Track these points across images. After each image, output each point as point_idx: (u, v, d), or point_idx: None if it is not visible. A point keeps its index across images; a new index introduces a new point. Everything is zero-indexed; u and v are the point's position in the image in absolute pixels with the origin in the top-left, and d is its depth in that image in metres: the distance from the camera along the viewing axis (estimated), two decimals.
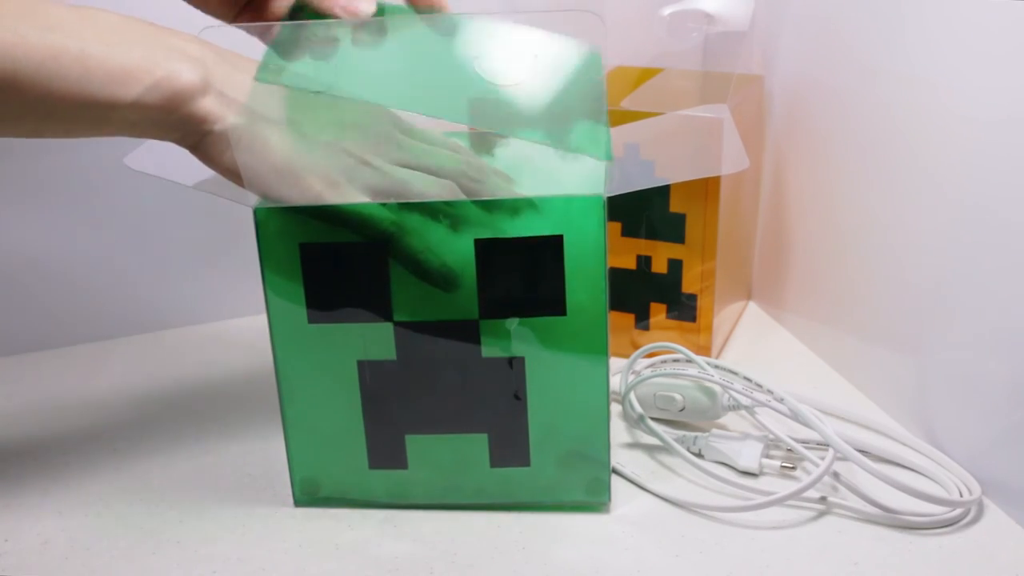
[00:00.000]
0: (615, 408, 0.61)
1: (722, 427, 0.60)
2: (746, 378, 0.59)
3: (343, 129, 0.50)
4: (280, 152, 0.47)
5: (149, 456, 0.59)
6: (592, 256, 0.48)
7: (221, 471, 0.58)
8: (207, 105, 0.46)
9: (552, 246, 0.48)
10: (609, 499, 0.53)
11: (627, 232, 0.68)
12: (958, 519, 0.52)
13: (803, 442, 0.56)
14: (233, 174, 0.47)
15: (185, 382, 0.68)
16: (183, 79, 0.45)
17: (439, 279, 0.49)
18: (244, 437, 0.61)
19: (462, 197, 0.49)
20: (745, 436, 0.57)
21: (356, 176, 0.49)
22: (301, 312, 0.50)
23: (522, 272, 0.49)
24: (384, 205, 0.48)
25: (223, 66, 0.47)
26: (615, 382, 0.59)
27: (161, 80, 0.44)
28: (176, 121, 0.46)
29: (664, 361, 0.62)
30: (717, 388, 0.58)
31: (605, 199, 0.47)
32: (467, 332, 0.50)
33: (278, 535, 0.53)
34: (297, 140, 0.48)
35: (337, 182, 0.48)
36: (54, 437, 0.62)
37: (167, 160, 0.50)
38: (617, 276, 0.68)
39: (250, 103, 0.47)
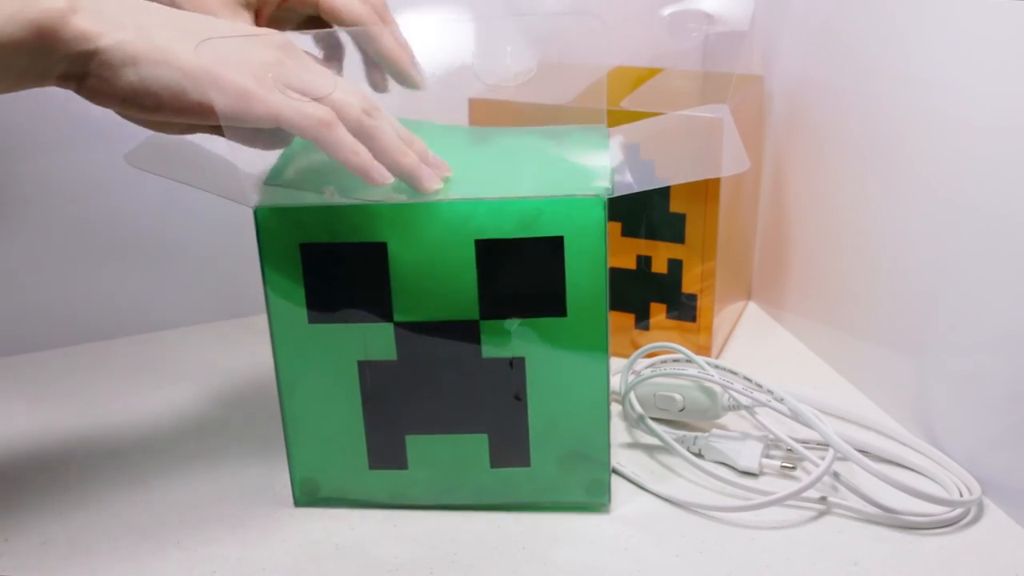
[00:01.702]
0: (615, 408, 0.61)
1: (722, 427, 0.60)
2: (746, 378, 0.59)
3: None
4: (185, 54, 0.43)
5: (149, 456, 0.59)
6: (593, 257, 0.48)
7: (221, 471, 0.58)
8: (80, 24, 0.41)
9: (553, 247, 0.48)
10: (609, 500, 0.53)
11: (627, 232, 0.68)
12: (958, 519, 0.52)
13: (803, 442, 0.56)
14: (137, 100, 0.43)
15: (185, 382, 0.68)
16: (46, 2, 0.41)
17: None
18: (244, 437, 0.61)
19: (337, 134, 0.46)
20: (745, 436, 0.57)
21: (280, 72, 0.45)
22: (301, 312, 0.50)
23: (523, 273, 0.49)
24: (383, 206, 0.48)
25: None
26: (615, 382, 0.59)
27: (22, 8, 0.40)
28: (51, 49, 0.41)
29: (664, 361, 0.62)
30: (717, 388, 0.58)
31: (606, 200, 0.47)
32: (467, 332, 0.50)
33: (278, 535, 0.53)
34: (200, 36, 0.44)
35: (263, 76, 0.44)
36: (54, 437, 0.62)
37: (167, 159, 0.50)
38: (617, 276, 0.68)
39: (133, 17, 0.43)
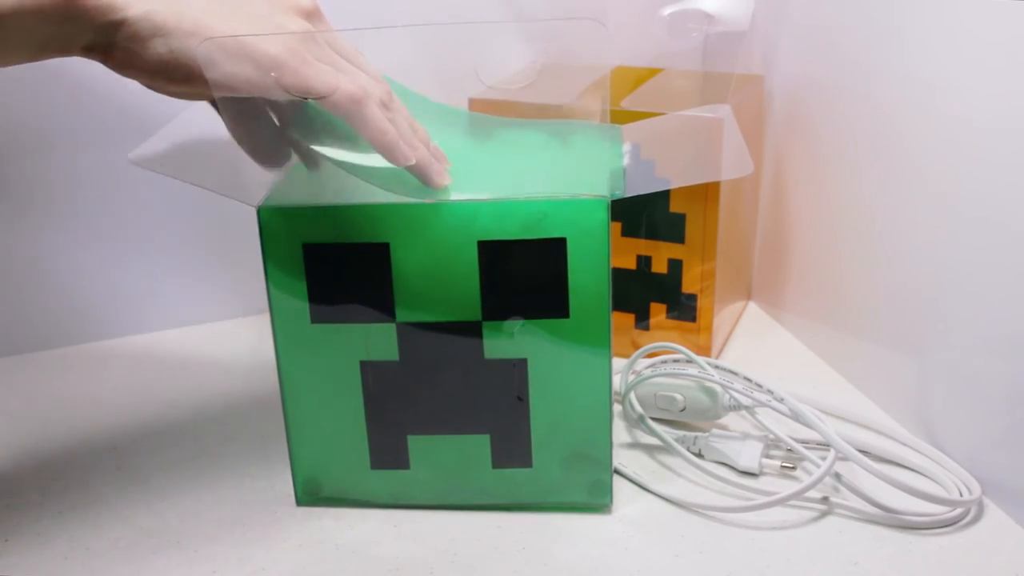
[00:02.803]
0: (615, 408, 0.61)
1: (722, 427, 0.60)
2: (746, 378, 0.59)
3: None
4: (216, 24, 0.42)
5: (149, 456, 0.59)
6: (596, 258, 0.48)
7: (221, 471, 0.58)
8: None
9: (556, 248, 0.48)
10: (611, 501, 0.53)
11: (627, 232, 0.68)
12: (958, 519, 0.52)
13: (803, 442, 0.56)
14: (166, 73, 0.42)
15: (185, 382, 0.68)
16: None
17: None
18: (244, 437, 0.61)
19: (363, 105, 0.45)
20: (745, 436, 0.57)
21: (312, 45, 0.44)
22: (304, 312, 0.50)
23: (525, 274, 0.49)
24: (386, 207, 0.48)
25: None
26: (615, 382, 0.59)
27: None
28: (76, 17, 0.40)
29: (664, 361, 0.62)
30: (718, 388, 0.58)
31: (610, 202, 0.47)
32: (470, 333, 0.50)
33: (278, 535, 0.53)
34: (231, 12, 0.43)
35: (295, 49, 0.43)
36: (54, 437, 0.62)
37: (170, 157, 0.50)
38: (617, 276, 0.68)
39: None
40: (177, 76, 0.42)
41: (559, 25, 0.47)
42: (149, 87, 0.44)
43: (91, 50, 0.42)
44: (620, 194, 0.48)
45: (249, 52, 0.42)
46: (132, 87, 0.45)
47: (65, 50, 0.42)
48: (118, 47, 0.41)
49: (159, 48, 0.41)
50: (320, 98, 0.44)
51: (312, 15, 0.47)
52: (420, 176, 0.48)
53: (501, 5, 0.70)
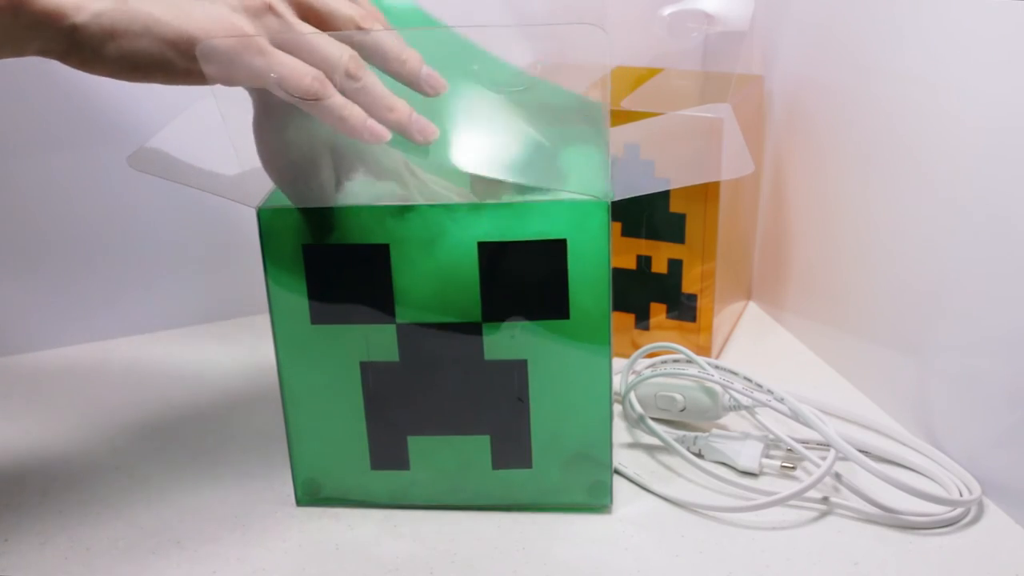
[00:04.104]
0: (615, 408, 0.61)
1: (722, 427, 0.60)
2: (746, 378, 0.59)
3: None
4: (168, 20, 0.42)
5: (149, 456, 0.59)
6: (596, 260, 0.48)
7: (221, 471, 0.58)
8: None
9: (556, 250, 0.48)
10: (611, 501, 0.53)
11: (627, 232, 0.68)
12: (958, 519, 0.52)
13: (803, 442, 0.56)
14: (123, 73, 0.42)
15: (185, 382, 0.68)
16: None
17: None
18: (244, 437, 0.61)
19: (325, 89, 0.44)
20: (745, 436, 0.57)
21: (267, 29, 0.44)
22: (304, 313, 0.50)
23: (525, 275, 0.49)
24: (386, 208, 0.48)
25: None
26: (615, 382, 0.59)
27: None
28: (29, 23, 0.40)
29: (664, 361, 0.62)
30: (718, 388, 0.58)
31: (609, 204, 0.47)
32: (470, 335, 0.50)
33: (278, 535, 0.53)
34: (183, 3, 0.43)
35: (248, 41, 0.43)
36: (54, 437, 0.62)
37: (170, 159, 0.50)
38: (617, 276, 0.68)
39: None
40: (135, 76, 0.43)
41: (559, 30, 0.47)
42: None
43: (46, 52, 0.42)
44: (614, 196, 0.48)
45: (201, 50, 0.42)
46: (132, 87, 0.45)
47: (18, 52, 0.42)
48: (72, 50, 0.42)
49: (112, 50, 0.42)
50: (275, 91, 0.43)
51: None
52: (405, 137, 0.46)
53: (501, 5, 0.70)
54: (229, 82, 0.44)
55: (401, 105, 0.46)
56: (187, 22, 0.42)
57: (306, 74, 0.43)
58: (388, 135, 0.45)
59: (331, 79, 0.44)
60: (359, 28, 0.46)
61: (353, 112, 0.44)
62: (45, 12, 0.40)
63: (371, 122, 0.45)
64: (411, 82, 0.46)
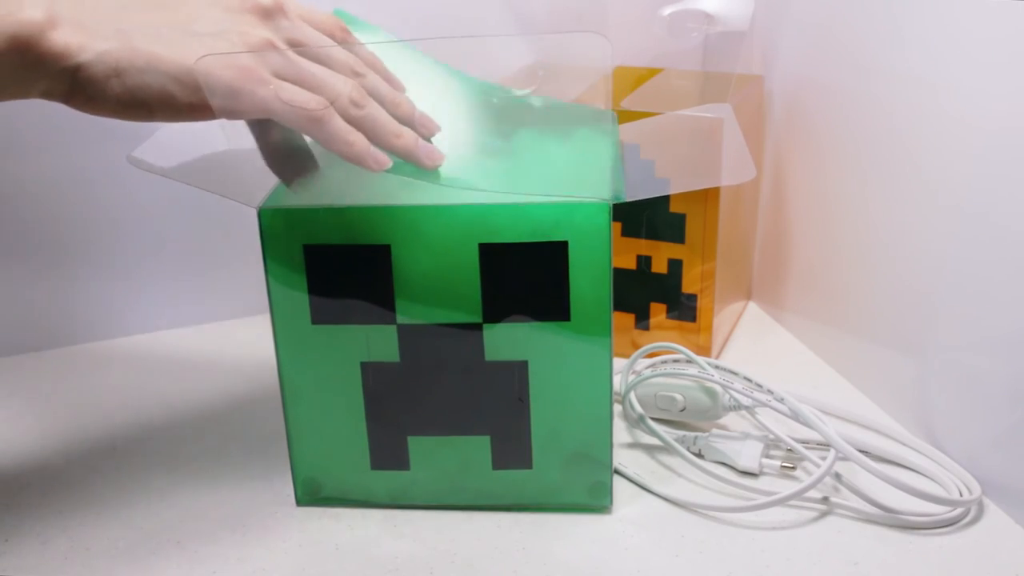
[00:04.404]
0: (615, 408, 0.61)
1: (722, 427, 0.60)
2: (746, 378, 0.59)
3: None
4: (171, 56, 0.42)
5: (149, 456, 0.59)
6: (597, 261, 0.48)
7: (221, 471, 0.58)
8: (60, 38, 0.40)
9: (557, 251, 0.48)
10: (611, 502, 0.53)
11: (627, 232, 0.68)
12: (958, 519, 0.52)
13: (803, 442, 0.56)
14: (127, 111, 0.43)
15: (185, 382, 0.68)
16: (23, 15, 0.40)
17: None
18: (244, 437, 0.61)
19: (333, 121, 0.45)
20: (745, 436, 0.57)
21: (271, 58, 0.44)
22: (305, 313, 0.50)
23: (526, 277, 0.49)
24: (387, 208, 0.48)
25: None
26: (615, 382, 0.59)
27: None
28: (33, 64, 0.40)
29: (664, 361, 0.62)
30: (718, 388, 0.58)
31: (611, 206, 0.47)
32: (471, 335, 0.50)
33: (278, 535, 0.53)
34: (184, 37, 0.43)
35: (251, 69, 0.43)
36: (54, 437, 0.62)
37: (170, 158, 0.50)
38: (617, 276, 0.68)
39: (114, 21, 0.42)
40: (139, 113, 0.43)
41: (561, 39, 0.47)
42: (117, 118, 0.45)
43: (50, 94, 0.42)
44: (622, 197, 0.48)
45: (205, 81, 0.43)
46: None
47: (23, 94, 0.42)
48: (76, 90, 0.42)
49: (116, 88, 0.42)
50: (280, 120, 0.44)
51: (273, 13, 0.46)
52: (410, 162, 0.47)
53: (501, 5, 0.70)
54: (234, 114, 0.44)
55: (407, 131, 0.47)
56: (189, 57, 0.43)
57: (311, 99, 0.44)
58: (390, 162, 0.46)
59: (335, 106, 0.45)
60: (356, 74, 0.48)
61: (359, 139, 0.46)
62: (50, 52, 0.40)
63: (374, 149, 0.46)
64: (406, 125, 0.48)
